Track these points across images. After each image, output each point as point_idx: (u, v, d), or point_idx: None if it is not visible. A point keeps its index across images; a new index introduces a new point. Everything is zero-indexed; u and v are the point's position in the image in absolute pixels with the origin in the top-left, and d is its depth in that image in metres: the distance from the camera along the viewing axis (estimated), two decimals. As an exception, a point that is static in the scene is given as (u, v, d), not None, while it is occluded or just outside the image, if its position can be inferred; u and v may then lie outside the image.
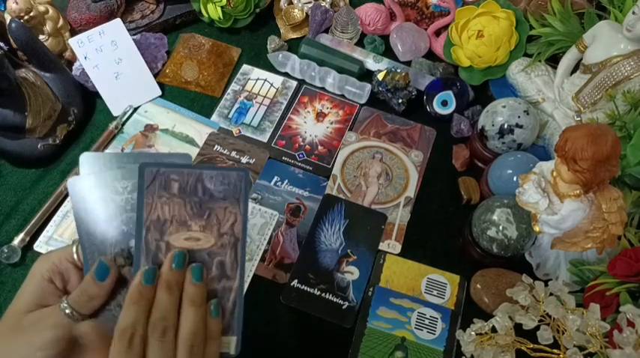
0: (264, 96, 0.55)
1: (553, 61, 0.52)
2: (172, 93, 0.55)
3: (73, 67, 0.53)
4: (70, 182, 0.26)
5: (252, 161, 0.50)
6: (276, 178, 0.49)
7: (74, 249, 0.26)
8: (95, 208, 0.26)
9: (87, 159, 0.27)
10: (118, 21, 0.53)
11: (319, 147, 0.52)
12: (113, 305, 0.25)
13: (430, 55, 0.58)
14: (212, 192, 0.26)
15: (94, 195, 0.26)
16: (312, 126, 0.53)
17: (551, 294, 0.36)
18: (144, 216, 0.25)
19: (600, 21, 0.48)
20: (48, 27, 0.53)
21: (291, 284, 0.43)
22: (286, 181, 0.49)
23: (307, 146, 0.52)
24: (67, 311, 0.24)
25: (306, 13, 0.59)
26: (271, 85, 0.56)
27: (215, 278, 0.26)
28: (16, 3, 0.49)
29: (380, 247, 0.45)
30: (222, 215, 0.26)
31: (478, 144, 0.49)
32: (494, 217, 0.41)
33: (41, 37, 0.52)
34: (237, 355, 0.26)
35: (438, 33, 0.59)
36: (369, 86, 0.54)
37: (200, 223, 0.25)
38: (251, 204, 0.47)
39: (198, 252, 0.26)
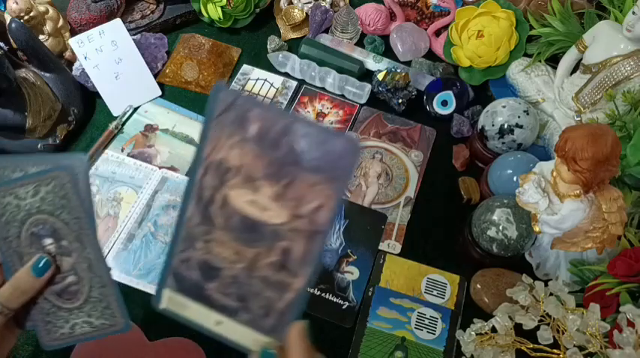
0: (264, 97, 0.55)
1: (553, 61, 0.52)
2: (172, 93, 0.55)
3: (73, 67, 0.53)
4: None
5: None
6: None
7: None
8: (2, 214, 0.25)
9: None
10: (118, 21, 0.53)
11: (319, 147, 0.52)
12: (41, 297, 0.25)
13: (430, 55, 0.58)
14: (301, 155, 0.18)
15: None
16: (312, 126, 0.53)
17: (551, 294, 0.36)
18: (205, 150, 0.20)
19: (600, 21, 0.48)
20: (48, 27, 0.53)
21: (292, 284, 0.43)
22: (286, 181, 0.49)
23: (307, 146, 0.52)
24: None
25: (306, 13, 0.59)
26: (271, 85, 0.56)
27: (273, 266, 0.20)
28: (16, 3, 0.49)
29: (380, 247, 0.45)
30: (305, 191, 0.19)
31: (478, 144, 0.49)
32: (494, 217, 0.41)
33: (41, 37, 0.52)
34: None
35: (438, 33, 0.59)
36: (369, 86, 0.54)
37: (274, 189, 0.19)
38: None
39: (260, 225, 0.20)
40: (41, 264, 0.25)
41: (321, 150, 0.18)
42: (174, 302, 0.22)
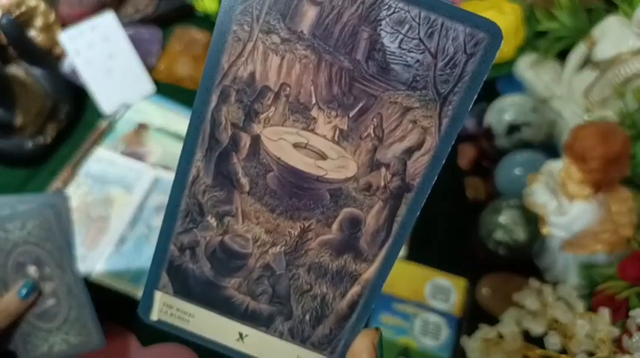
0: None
1: (561, 57, 0.51)
2: (167, 89, 0.53)
3: (64, 63, 0.52)
4: None
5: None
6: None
7: None
8: None
9: None
10: (110, 15, 0.52)
11: (319, 146, 0.50)
12: (23, 319, 0.27)
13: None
14: (389, 58, 0.11)
15: None
16: (311, 124, 0.51)
17: (559, 298, 0.35)
18: (222, 61, 0.12)
19: (609, 16, 0.47)
20: (39, 22, 0.51)
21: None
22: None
23: (307, 145, 0.50)
24: None
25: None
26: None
27: (330, 246, 0.13)
28: (5, -4, 0.48)
29: (382, 249, 0.44)
30: (391, 121, 0.12)
31: (485, 142, 0.48)
32: (502, 219, 0.40)
33: (32, 32, 0.51)
34: None
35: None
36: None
37: (337, 122, 0.12)
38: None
39: (315, 184, 0.13)
40: (27, 288, 0.27)
41: (423, 49, 0.11)
42: (171, 311, 0.16)
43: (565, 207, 0.38)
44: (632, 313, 0.32)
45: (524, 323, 0.34)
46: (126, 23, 0.55)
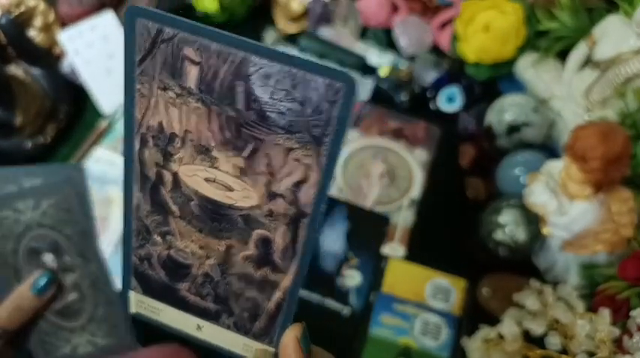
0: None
1: (562, 57, 0.51)
2: (167, 89, 0.53)
3: (64, 63, 0.52)
4: None
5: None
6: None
7: None
8: None
9: None
10: (110, 14, 0.52)
11: (319, 146, 0.50)
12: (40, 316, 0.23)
13: (435, 49, 0.56)
14: (265, 107, 0.13)
15: None
16: (312, 124, 0.51)
17: (559, 299, 0.35)
18: (136, 114, 0.15)
19: (609, 16, 0.47)
20: (38, 22, 0.51)
21: (291, 288, 0.41)
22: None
23: (307, 145, 0.50)
24: None
25: (305, 6, 0.58)
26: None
27: (251, 260, 0.16)
28: (4, -4, 0.48)
29: (382, 250, 0.44)
30: (278, 160, 0.14)
31: (485, 142, 0.48)
32: (502, 219, 0.40)
33: (31, 32, 0.51)
34: None
35: (443, 26, 0.57)
36: (371, 82, 0.53)
37: (235, 161, 0.14)
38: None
39: (228, 211, 0.15)
40: (43, 282, 0.23)
41: (292, 98, 0.13)
42: (144, 306, 0.19)
43: (565, 207, 0.38)
44: (632, 313, 0.32)
45: (524, 323, 0.34)
46: (125, 23, 0.55)
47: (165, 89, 0.14)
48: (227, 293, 0.18)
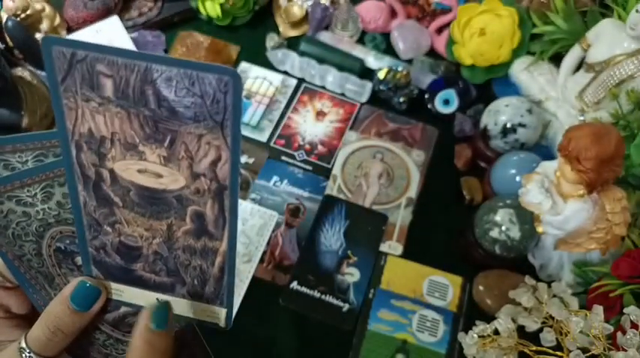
0: (263, 95, 0.54)
1: (556, 60, 0.51)
2: (170, 91, 0.54)
3: (70, 66, 0.53)
4: None
5: (250, 160, 0.50)
6: (275, 178, 0.48)
7: None
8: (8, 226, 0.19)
9: None
10: (115, 18, 0.53)
11: (319, 147, 0.51)
12: (91, 336, 0.20)
13: (432, 53, 0.57)
14: (172, 104, 0.16)
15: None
16: (312, 125, 0.52)
17: (554, 296, 0.35)
18: (67, 125, 0.17)
19: (603, 19, 0.47)
20: (44, 25, 0.52)
21: (291, 286, 0.42)
22: (285, 181, 0.48)
23: (307, 145, 0.51)
24: (27, 355, 0.18)
25: (306, 11, 0.59)
26: (270, 83, 0.55)
27: (190, 234, 0.18)
28: (13, 1, 0.49)
29: (381, 248, 0.45)
30: (193, 145, 0.17)
31: (481, 143, 0.49)
32: (497, 218, 0.40)
33: (37, 35, 0.52)
34: (228, 328, 0.21)
35: (439, 31, 0.58)
36: (369, 85, 0.53)
37: (158, 152, 0.17)
38: (250, 205, 0.47)
39: (162, 194, 0.18)
40: (85, 292, 0.18)
41: (194, 92, 0.16)
42: (109, 291, 0.21)
43: (559, 207, 0.38)
44: (626, 310, 0.33)
45: (519, 319, 0.34)
46: (130, 27, 0.56)
47: (87, 100, 0.17)
48: (176, 266, 0.20)
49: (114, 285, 0.20)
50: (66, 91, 0.17)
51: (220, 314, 0.21)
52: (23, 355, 0.18)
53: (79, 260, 0.20)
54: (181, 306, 0.21)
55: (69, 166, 0.18)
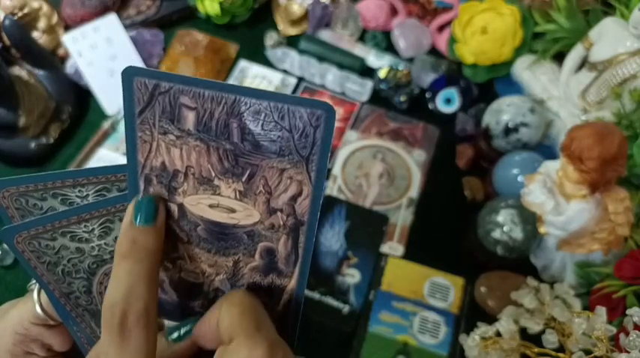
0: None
1: (559, 59, 0.51)
2: (169, 91, 0.54)
3: (67, 65, 0.52)
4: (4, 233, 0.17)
5: (251, 160, 0.49)
6: (275, 178, 0.48)
7: (35, 297, 0.19)
8: (54, 261, 0.18)
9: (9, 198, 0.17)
10: (113, 17, 0.52)
11: (319, 147, 0.51)
12: None
13: (433, 51, 0.57)
14: (257, 137, 0.15)
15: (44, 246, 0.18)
16: (312, 124, 0.52)
17: (556, 297, 0.35)
18: (138, 158, 0.16)
19: (606, 18, 0.47)
20: (42, 23, 0.52)
21: (291, 286, 0.42)
22: (286, 181, 0.48)
23: (307, 145, 0.51)
24: None
25: (306, 9, 0.58)
26: (270, 82, 0.55)
27: (258, 270, 0.17)
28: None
29: (382, 249, 0.44)
30: (274, 180, 0.16)
31: (482, 143, 0.48)
32: (499, 218, 0.40)
33: (35, 33, 0.51)
34: None
35: (441, 29, 0.58)
36: (370, 83, 0.53)
37: (235, 186, 0.16)
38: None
39: (232, 230, 0.17)
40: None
41: (283, 126, 0.15)
42: (167, 327, 0.19)
43: (562, 207, 0.38)
44: (628, 311, 0.32)
45: (521, 321, 0.34)
46: (128, 25, 0.56)
47: (165, 133, 0.16)
48: None
49: (169, 323, 0.19)
50: (142, 123, 0.16)
51: None
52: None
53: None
54: None
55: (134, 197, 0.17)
